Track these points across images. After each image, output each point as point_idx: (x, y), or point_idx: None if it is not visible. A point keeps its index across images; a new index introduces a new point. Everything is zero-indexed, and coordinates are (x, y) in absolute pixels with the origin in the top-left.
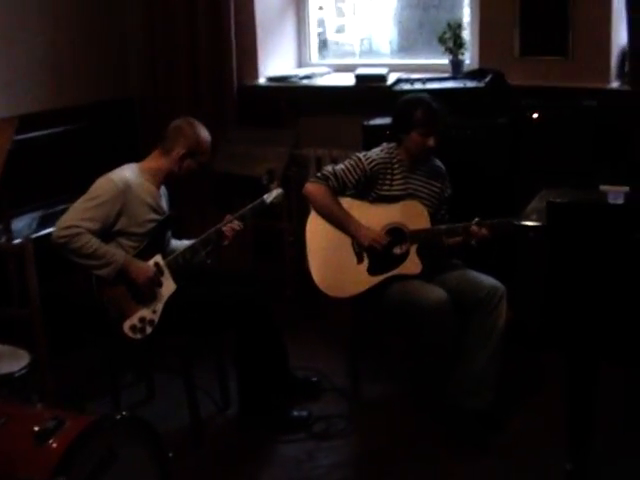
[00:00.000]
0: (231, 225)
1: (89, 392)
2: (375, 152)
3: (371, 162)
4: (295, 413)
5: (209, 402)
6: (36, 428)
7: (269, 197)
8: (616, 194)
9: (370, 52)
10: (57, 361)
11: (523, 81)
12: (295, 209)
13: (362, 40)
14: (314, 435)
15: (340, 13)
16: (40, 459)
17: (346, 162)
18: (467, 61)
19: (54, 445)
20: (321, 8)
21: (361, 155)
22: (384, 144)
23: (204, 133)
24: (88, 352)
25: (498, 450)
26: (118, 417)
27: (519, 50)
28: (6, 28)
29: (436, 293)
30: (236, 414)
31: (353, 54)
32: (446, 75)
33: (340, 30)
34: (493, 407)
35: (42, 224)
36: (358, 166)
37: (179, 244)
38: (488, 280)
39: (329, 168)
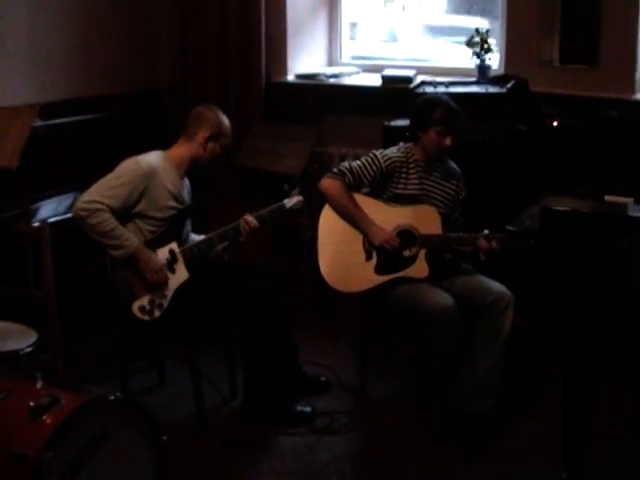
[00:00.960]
0: (248, 222)
1: (100, 375)
2: (392, 150)
3: (387, 160)
4: (298, 408)
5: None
6: (31, 403)
7: (289, 202)
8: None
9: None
10: (71, 345)
11: (546, 88)
12: (315, 206)
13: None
14: (316, 430)
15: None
16: (33, 434)
17: (362, 159)
18: (495, 66)
19: (48, 421)
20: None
21: (377, 152)
22: (401, 143)
23: (224, 117)
24: (103, 337)
25: (498, 454)
26: (112, 398)
27: (545, 57)
28: (36, 15)
29: (442, 297)
30: (240, 405)
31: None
32: (471, 79)
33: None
34: (495, 412)
35: (70, 208)
36: (374, 163)
37: (197, 238)
38: (496, 286)
39: (346, 164)
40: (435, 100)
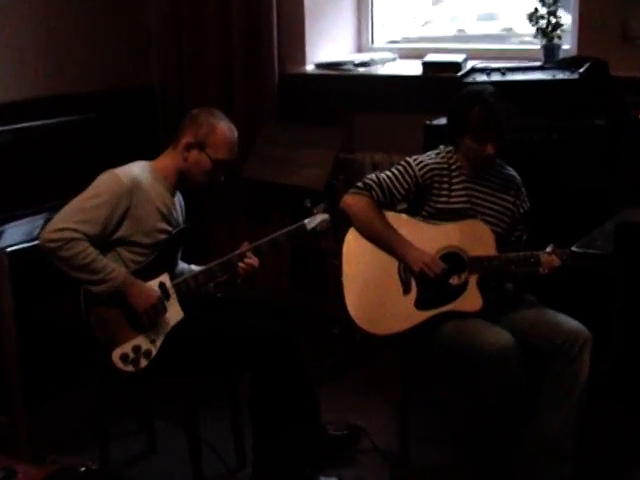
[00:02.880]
0: (247, 260)
1: (74, 441)
2: (429, 156)
3: (423, 167)
4: (322, 479)
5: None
6: None
7: (311, 223)
8: None
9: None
10: (38, 403)
11: (631, 72)
12: (343, 227)
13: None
14: None
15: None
16: None
17: (393, 168)
18: (565, 46)
19: None
20: None
21: (411, 159)
22: (441, 147)
23: (225, 126)
24: (78, 393)
25: None
26: (83, 470)
27: (631, 33)
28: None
29: (500, 337)
30: (249, 476)
31: (442, 39)
32: (534, 64)
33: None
34: None
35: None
36: (407, 172)
37: (186, 268)
38: (569, 323)
39: (372, 176)
40: (473, 96)
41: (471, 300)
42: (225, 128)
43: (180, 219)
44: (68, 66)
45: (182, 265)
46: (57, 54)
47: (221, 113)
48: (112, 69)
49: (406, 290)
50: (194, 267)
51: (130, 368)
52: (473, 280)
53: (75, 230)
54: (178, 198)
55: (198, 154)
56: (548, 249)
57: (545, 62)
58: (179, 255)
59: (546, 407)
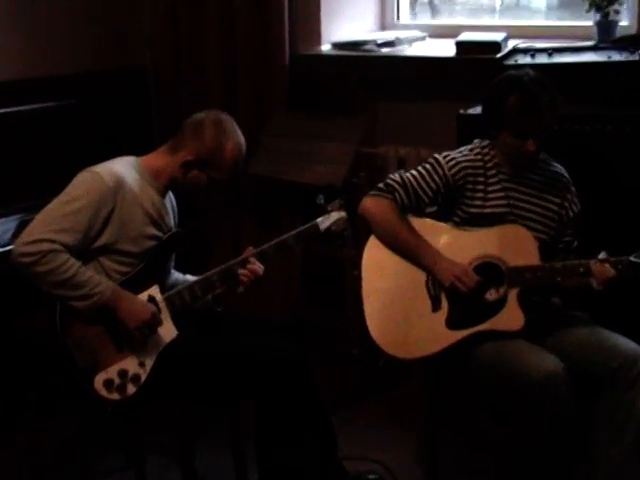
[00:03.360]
0: (250, 267)
1: (56, 478)
2: (461, 152)
3: (454, 166)
4: None
5: None
6: None
7: (325, 222)
8: None
9: (517, 7)
10: (10, 435)
11: None
12: (362, 231)
13: None
14: None
15: None
16: None
17: (420, 167)
18: (623, 22)
19: None
20: None
21: (440, 156)
22: (475, 141)
23: (234, 145)
24: (57, 423)
25: None
26: None
27: None
28: None
29: (546, 361)
30: None
31: (490, 10)
32: (587, 43)
33: None
34: None
35: (13, 237)
36: (436, 171)
37: (180, 279)
38: (626, 344)
39: (396, 176)
40: (510, 83)
41: (511, 318)
42: (234, 147)
43: (172, 223)
44: (48, 45)
45: (176, 275)
46: (36, 31)
47: (230, 121)
48: (98, 48)
49: (436, 307)
50: (190, 277)
51: (116, 396)
52: (513, 294)
53: (52, 241)
54: (169, 199)
55: (198, 173)
56: (600, 256)
57: (599, 41)
58: (171, 264)
59: (602, 440)
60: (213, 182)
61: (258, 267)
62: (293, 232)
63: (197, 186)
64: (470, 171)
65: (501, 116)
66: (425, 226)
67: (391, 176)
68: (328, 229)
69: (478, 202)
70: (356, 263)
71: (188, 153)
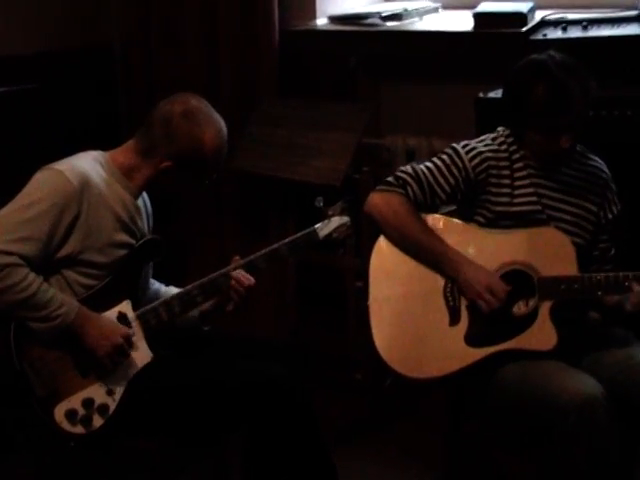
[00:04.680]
0: (238, 277)
1: None
2: (483, 141)
3: (476, 156)
4: None
5: None
6: None
7: (325, 228)
8: None
9: None
10: None
11: None
12: (366, 237)
13: None
14: None
15: None
16: None
17: (435, 159)
18: None
19: None
20: None
21: (459, 146)
22: (499, 129)
23: (210, 133)
24: (9, 461)
25: None
26: None
27: None
28: None
29: (584, 385)
30: None
31: None
32: (627, 13)
33: None
34: None
35: None
36: (454, 163)
37: (163, 291)
38: None
39: (408, 168)
40: (533, 69)
41: (542, 336)
42: (213, 137)
43: (146, 228)
44: (1, 22)
45: (157, 286)
46: None
47: (201, 106)
48: (59, 25)
49: (454, 319)
50: (174, 289)
51: (80, 429)
52: (545, 308)
53: (9, 253)
54: (143, 200)
55: (179, 176)
56: None
57: None
58: (148, 276)
59: None
60: (199, 181)
61: (246, 279)
62: (286, 240)
63: (180, 186)
64: (493, 163)
65: (525, 112)
66: (442, 225)
67: (402, 168)
68: (328, 236)
69: (504, 199)
70: (359, 273)
71: (164, 159)
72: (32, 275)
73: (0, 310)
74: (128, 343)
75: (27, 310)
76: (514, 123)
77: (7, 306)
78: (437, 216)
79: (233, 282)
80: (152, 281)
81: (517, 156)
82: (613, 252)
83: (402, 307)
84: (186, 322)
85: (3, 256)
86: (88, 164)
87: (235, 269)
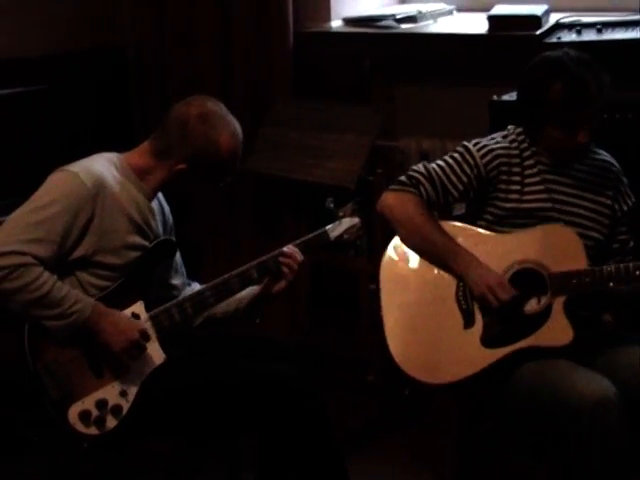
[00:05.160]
0: (290, 254)
1: None
2: (494, 139)
3: (487, 154)
4: None
5: None
6: None
7: (336, 230)
8: None
9: None
10: None
11: None
12: (380, 238)
13: None
14: None
15: None
16: None
17: (446, 157)
18: None
19: None
20: None
21: (470, 144)
22: (509, 127)
23: (226, 135)
24: (23, 462)
25: None
26: None
27: None
28: None
29: (598, 385)
30: None
31: None
32: None
33: None
34: None
35: None
36: (466, 161)
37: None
38: None
39: (420, 167)
40: (551, 66)
41: (557, 331)
42: (229, 140)
43: (160, 229)
44: (15, 23)
45: (193, 286)
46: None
47: (217, 109)
48: (72, 26)
49: (468, 322)
50: (197, 285)
51: (93, 430)
52: (558, 304)
53: (23, 253)
54: (159, 202)
55: (195, 179)
56: None
57: None
58: (168, 273)
59: None
60: (214, 183)
61: (293, 252)
62: (298, 241)
63: (196, 187)
64: (504, 160)
65: (543, 109)
66: (453, 229)
67: (414, 168)
68: (339, 238)
69: (514, 196)
70: (373, 275)
71: (179, 161)
72: (46, 274)
73: (15, 310)
74: (144, 338)
75: (42, 308)
76: (531, 120)
77: (22, 305)
78: (444, 221)
79: (285, 259)
80: (190, 283)
81: (528, 153)
82: (632, 244)
83: (415, 313)
84: (230, 315)
85: (17, 256)
86: (103, 166)
87: (250, 269)
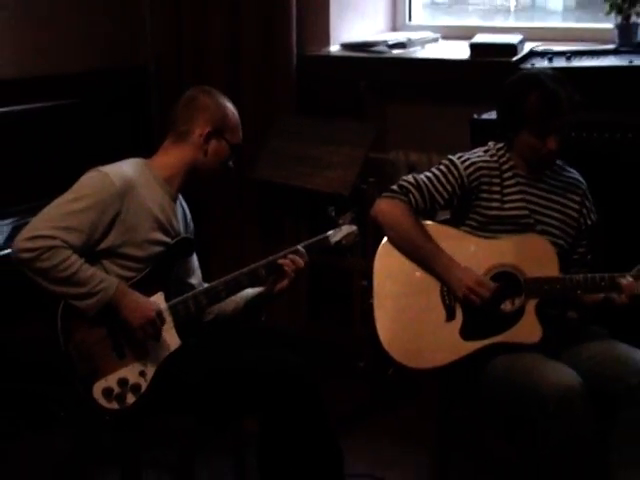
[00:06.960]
0: (292, 257)
1: None
2: (476, 153)
3: (470, 166)
4: None
5: None
6: None
7: (336, 235)
8: None
9: (533, 9)
10: (4, 447)
11: None
12: (372, 241)
13: None
14: None
15: None
16: None
17: (433, 169)
18: None
19: None
20: None
21: (454, 157)
22: (490, 143)
23: (228, 102)
24: (49, 435)
25: None
26: None
27: None
28: None
29: (563, 375)
30: None
31: (505, 11)
32: (607, 47)
33: None
34: None
35: (7, 242)
36: (451, 172)
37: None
38: None
39: (409, 178)
40: (529, 80)
41: (528, 330)
42: (230, 105)
43: (181, 229)
44: (47, 43)
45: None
46: (35, 29)
47: (214, 89)
48: (98, 47)
49: (450, 316)
50: (250, 291)
51: (114, 405)
52: (531, 306)
53: (54, 237)
54: (182, 206)
55: (217, 142)
56: (634, 272)
57: (620, 45)
58: (188, 269)
59: (619, 461)
60: (233, 149)
61: (297, 256)
62: (302, 244)
63: (219, 158)
64: (485, 172)
65: (520, 116)
66: (439, 231)
67: (405, 178)
68: (338, 243)
69: (495, 204)
70: (365, 273)
71: (203, 126)
72: (74, 256)
73: (47, 289)
74: (160, 318)
75: (71, 286)
76: (508, 128)
77: (53, 283)
78: (432, 223)
79: (287, 261)
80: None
81: (506, 166)
82: (589, 258)
83: (403, 304)
84: (229, 314)
85: (49, 239)
86: (133, 169)
87: (257, 268)
